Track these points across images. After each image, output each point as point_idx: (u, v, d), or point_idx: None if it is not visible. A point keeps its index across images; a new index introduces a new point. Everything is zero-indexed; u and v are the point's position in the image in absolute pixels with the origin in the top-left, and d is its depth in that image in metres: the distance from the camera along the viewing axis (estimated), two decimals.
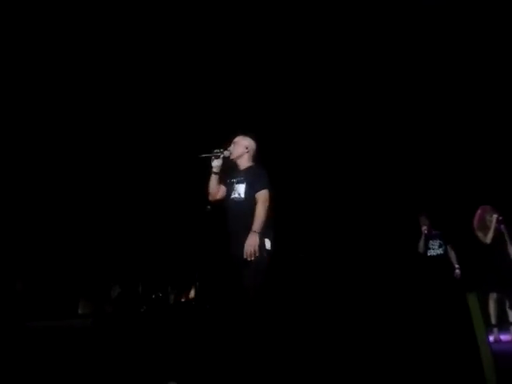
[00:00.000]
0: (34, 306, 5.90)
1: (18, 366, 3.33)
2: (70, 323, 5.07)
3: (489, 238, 5.37)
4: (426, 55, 6.50)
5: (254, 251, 3.17)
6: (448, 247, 6.10)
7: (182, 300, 6.87)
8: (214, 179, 3.64)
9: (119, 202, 7.26)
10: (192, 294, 7.23)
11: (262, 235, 3.29)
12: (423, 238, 6.17)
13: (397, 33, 6.28)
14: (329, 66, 6.77)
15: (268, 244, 3.34)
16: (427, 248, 6.13)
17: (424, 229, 6.16)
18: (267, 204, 3.34)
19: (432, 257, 6.10)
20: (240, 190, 3.46)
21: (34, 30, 5.91)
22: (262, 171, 3.52)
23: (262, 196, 3.36)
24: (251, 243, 3.19)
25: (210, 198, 3.69)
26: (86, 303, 6.57)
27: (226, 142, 3.71)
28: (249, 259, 3.17)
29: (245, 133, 3.73)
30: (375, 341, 4.16)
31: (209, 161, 3.64)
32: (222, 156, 3.62)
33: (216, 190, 3.66)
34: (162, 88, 6.89)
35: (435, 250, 6.12)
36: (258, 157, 3.69)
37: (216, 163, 3.62)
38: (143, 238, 7.20)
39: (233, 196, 3.49)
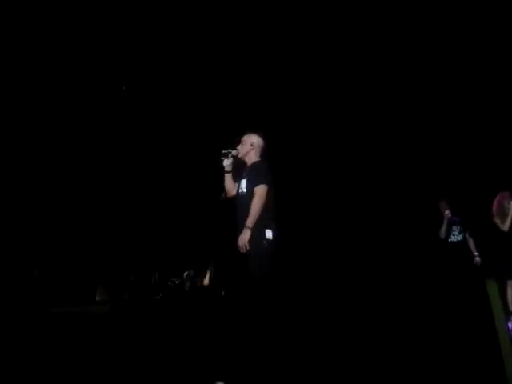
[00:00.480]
0: (53, 293, 5.99)
1: (38, 349, 3.39)
2: (88, 309, 5.17)
3: (506, 226, 5.22)
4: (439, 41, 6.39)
5: (245, 245, 3.32)
6: (466, 234, 5.94)
7: (197, 284, 6.91)
8: (227, 178, 3.79)
9: (137, 193, 7.31)
10: (206, 280, 7.28)
11: (263, 227, 3.41)
12: (446, 223, 5.96)
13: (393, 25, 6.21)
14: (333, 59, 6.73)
15: (269, 234, 3.43)
16: (449, 234, 5.98)
17: (447, 213, 5.94)
18: (263, 199, 3.43)
19: (453, 243, 5.93)
20: (243, 184, 3.61)
21: (35, 30, 5.93)
22: (262, 166, 3.62)
23: (258, 191, 3.45)
24: (242, 237, 3.36)
25: (228, 196, 3.83)
26: (103, 290, 6.64)
27: (236, 142, 3.84)
28: (241, 251, 3.35)
29: (251, 131, 3.81)
30: (393, 326, 4.16)
31: (220, 161, 3.80)
32: (230, 155, 3.76)
33: (232, 187, 3.79)
34: (176, 92, 6.99)
35: (456, 236, 5.93)
36: (265, 152, 3.78)
37: (226, 163, 3.77)
38: (160, 226, 7.24)
39: (239, 191, 3.65)
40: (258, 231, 3.39)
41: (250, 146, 3.73)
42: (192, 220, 7.22)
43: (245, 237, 3.37)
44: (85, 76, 6.58)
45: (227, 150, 3.77)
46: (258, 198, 3.43)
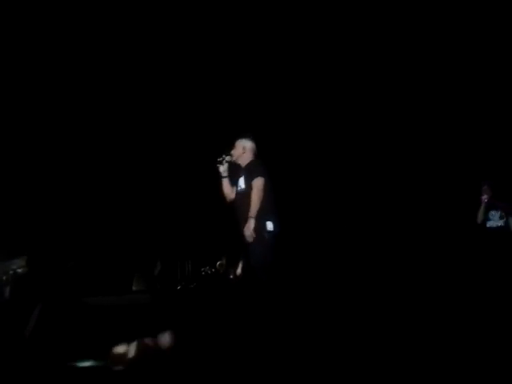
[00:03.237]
0: (89, 283, 6.09)
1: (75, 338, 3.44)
2: (126, 299, 5.24)
3: None
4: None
5: (251, 234, 3.57)
6: (510, 219, 5.69)
7: (231, 276, 6.93)
8: (225, 183, 4.03)
9: (168, 185, 7.37)
10: (239, 270, 7.28)
11: (263, 219, 3.66)
12: (482, 207, 5.78)
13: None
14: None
15: (270, 226, 3.68)
16: (486, 219, 5.79)
17: (484, 197, 5.76)
18: (261, 190, 3.68)
19: (491, 228, 5.75)
20: (241, 182, 3.87)
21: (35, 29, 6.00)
22: (257, 162, 3.91)
23: (256, 184, 3.71)
24: (247, 228, 3.59)
25: (228, 200, 4.05)
26: (139, 280, 6.72)
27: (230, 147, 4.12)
28: (249, 241, 3.59)
29: (242, 136, 4.09)
30: (425, 316, 4.05)
31: (217, 168, 4.05)
32: (224, 162, 4.01)
33: (230, 191, 4.02)
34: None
35: (495, 221, 5.75)
36: (256, 153, 4.04)
37: (222, 169, 4.02)
38: (191, 214, 7.28)
39: (238, 189, 3.91)
40: (258, 223, 3.62)
41: (242, 150, 3.98)
42: (224, 209, 7.24)
43: (250, 226, 3.58)
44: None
45: (222, 156, 4.01)
46: (256, 189, 3.67)
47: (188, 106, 7.30)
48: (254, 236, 3.58)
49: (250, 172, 3.83)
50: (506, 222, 5.68)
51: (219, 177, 4.04)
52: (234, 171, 4.07)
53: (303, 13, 6.22)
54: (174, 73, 7.05)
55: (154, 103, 7.23)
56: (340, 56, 6.82)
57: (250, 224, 3.59)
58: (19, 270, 6.08)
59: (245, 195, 3.78)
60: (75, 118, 6.93)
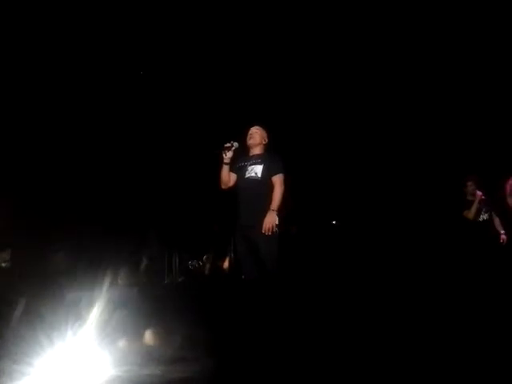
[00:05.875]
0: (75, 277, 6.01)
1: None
2: (112, 293, 5.19)
3: None
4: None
5: (272, 227, 3.66)
6: (492, 213, 5.90)
7: (207, 271, 6.92)
8: (226, 169, 4.01)
9: (154, 175, 7.27)
10: (226, 264, 7.28)
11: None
12: (477, 203, 5.82)
13: None
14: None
15: (276, 220, 3.78)
16: (479, 214, 5.87)
17: (480, 194, 5.80)
18: (283, 187, 3.83)
19: (479, 222, 5.88)
20: (257, 170, 3.90)
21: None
22: (279, 157, 4.00)
23: (280, 179, 3.85)
24: (271, 221, 3.67)
25: (223, 187, 4.07)
26: (125, 274, 6.66)
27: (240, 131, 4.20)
28: (267, 234, 3.65)
29: (263, 125, 4.17)
30: (420, 309, 4.08)
31: (223, 154, 4.01)
32: (233, 149, 3.99)
33: (228, 178, 4.04)
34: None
35: (482, 215, 5.90)
36: (268, 147, 4.16)
37: (229, 155, 3.98)
38: (179, 208, 7.22)
39: (248, 175, 3.91)
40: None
41: (263, 141, 4.08)
42: (211, 202, 7.19)
43: (273, 219, 3.67)
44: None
45: (230, 143, 3.98)
46: (280, 186, 3.81)
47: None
48: (274, 230, 3.66)
49: (271, 164, 3.90)
50: (490, 216, 5.87)
51: (220, 163, 4.02)
52: (236, 157, 4.09)
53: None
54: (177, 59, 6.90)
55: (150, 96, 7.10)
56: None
57: (273, 217, 3.67)
58: (3, 264, 6.01)
59: (259, 184, 3.84)
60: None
